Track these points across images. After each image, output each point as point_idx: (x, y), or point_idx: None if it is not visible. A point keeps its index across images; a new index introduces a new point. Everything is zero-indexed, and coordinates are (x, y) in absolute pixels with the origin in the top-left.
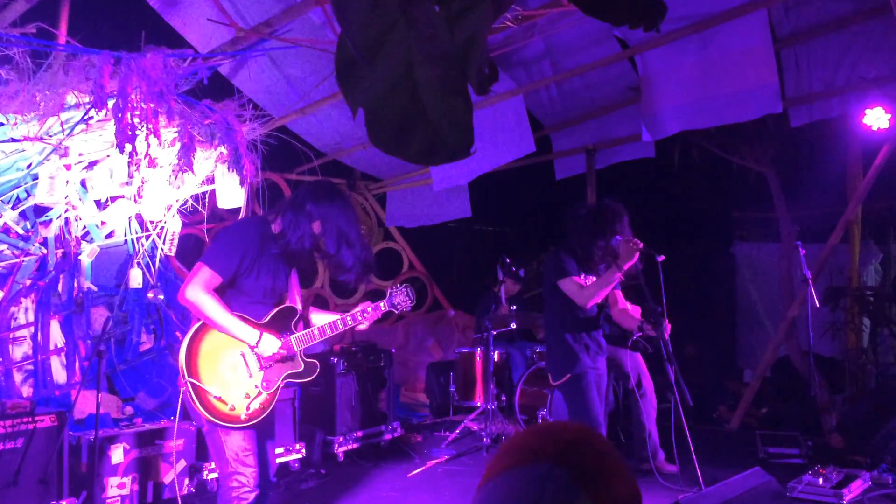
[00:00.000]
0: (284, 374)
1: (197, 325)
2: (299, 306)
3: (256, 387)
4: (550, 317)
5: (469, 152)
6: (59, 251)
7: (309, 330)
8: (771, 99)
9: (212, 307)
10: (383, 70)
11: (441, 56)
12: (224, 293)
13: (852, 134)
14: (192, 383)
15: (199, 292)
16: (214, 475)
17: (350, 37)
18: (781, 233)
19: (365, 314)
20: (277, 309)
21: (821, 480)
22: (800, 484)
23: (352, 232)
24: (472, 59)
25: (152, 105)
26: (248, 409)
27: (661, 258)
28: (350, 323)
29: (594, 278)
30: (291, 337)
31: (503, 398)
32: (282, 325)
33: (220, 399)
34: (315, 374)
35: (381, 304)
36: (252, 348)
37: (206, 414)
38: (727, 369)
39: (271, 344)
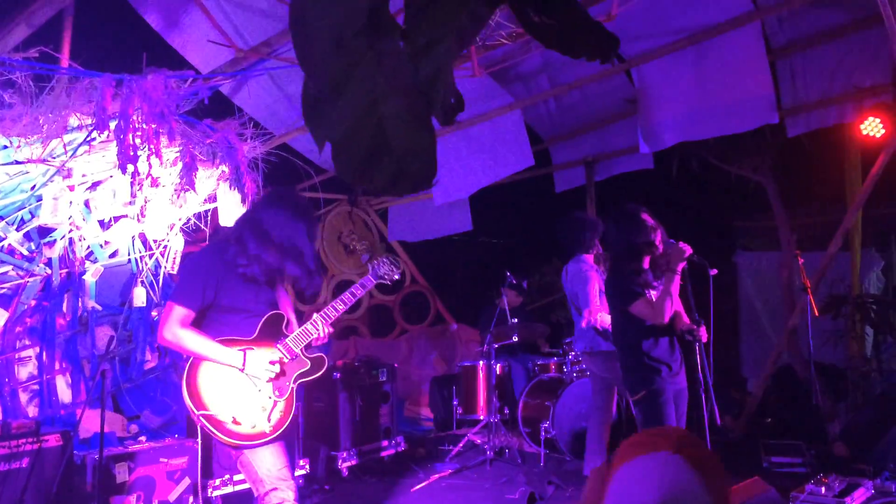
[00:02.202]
0: (294, 376)
1: (189, 361)
2: (290, 314)
3: (270, 398)
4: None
5: (431, 183)
6: (64, 271)
7: (302, 328)
8: (767, 109)
9: (191, 341)
10: (348, 105)
11: (406, 89)
12: (212, 317)
13: (850, 142)
14: (203, 416)
15: (174, 331)
16: (219, 492)
17: (312, 78)
18: (781, 241)
19: (352, 294)
20: (265, 319)
21: (823, 489)
22: (802, 493)
23: (289, 238)
24: (436, 91)
25: (154, 126)
26: (269, 420)
27: (713, 272)
28: (341, 308)
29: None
30: (287, 340)
31: (506, 411)
32: (273, 332)
33: (235, 421)
34: (325, 368)
35: (368, 279)
36: (242, 371)
37: (230, 440)
38: (730, 378)
39: (258, 363)
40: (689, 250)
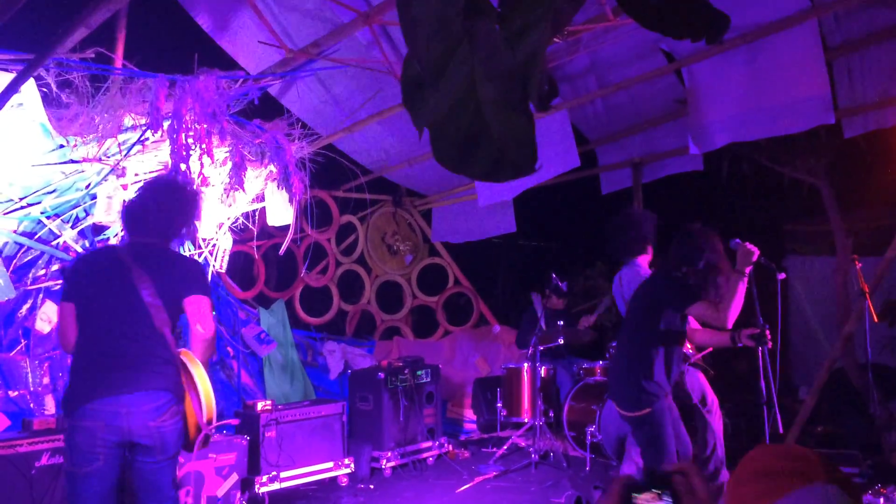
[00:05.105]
0: None
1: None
2: None
3: None
4: (641, 345)
5: (533, 168)
6: None
7: None
8: (823, 110)
9: None
10: (448, 89)
11: (502, 73)
12: None
13: None
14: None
15: None
16: (266, 489)
17: (418, 58)
18: (836, 246)
19: None
20: None
21: (882, 500)
22: None
23: None
24: (532, 75)
25: (205, 126)
26: None
27: (781, 276)
28: None
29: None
30: None
31: (551, 414)
32: None
33: None
34: None
35: None
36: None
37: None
38: (781, 386)
39: None
40: (756, 252)
